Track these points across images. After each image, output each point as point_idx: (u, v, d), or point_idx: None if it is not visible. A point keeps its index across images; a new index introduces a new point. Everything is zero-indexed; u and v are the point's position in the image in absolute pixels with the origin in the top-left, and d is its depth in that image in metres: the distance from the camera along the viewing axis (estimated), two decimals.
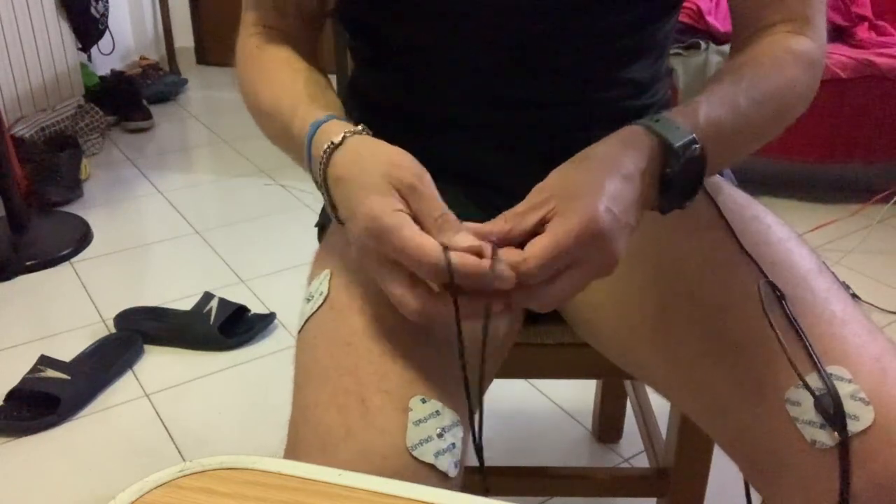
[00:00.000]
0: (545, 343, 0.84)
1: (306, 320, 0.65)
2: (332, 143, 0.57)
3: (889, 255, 2.00)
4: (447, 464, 0.54)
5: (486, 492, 0.59)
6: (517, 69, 0.72)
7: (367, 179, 0.54)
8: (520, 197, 0.77)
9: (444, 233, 0.52)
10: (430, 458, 0.53)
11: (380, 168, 0.54)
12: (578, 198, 0.53)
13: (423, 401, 0.55)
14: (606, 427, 1.36)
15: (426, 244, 0.50)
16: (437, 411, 0.55)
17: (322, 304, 0.64)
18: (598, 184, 0.53)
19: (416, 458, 0.53)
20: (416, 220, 0.53)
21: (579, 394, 1.47)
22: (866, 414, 0.54)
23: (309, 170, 0.61)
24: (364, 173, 0.54)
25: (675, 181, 0.58)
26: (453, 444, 0.55)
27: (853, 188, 2.33)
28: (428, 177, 0.55)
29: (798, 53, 0.68)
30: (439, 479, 0.54)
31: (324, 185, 0.58)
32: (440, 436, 0.55)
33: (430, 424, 0.55)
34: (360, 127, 0.59)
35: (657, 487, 1.00)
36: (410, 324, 0.59)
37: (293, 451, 0.57)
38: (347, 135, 0.57)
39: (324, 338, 0.61)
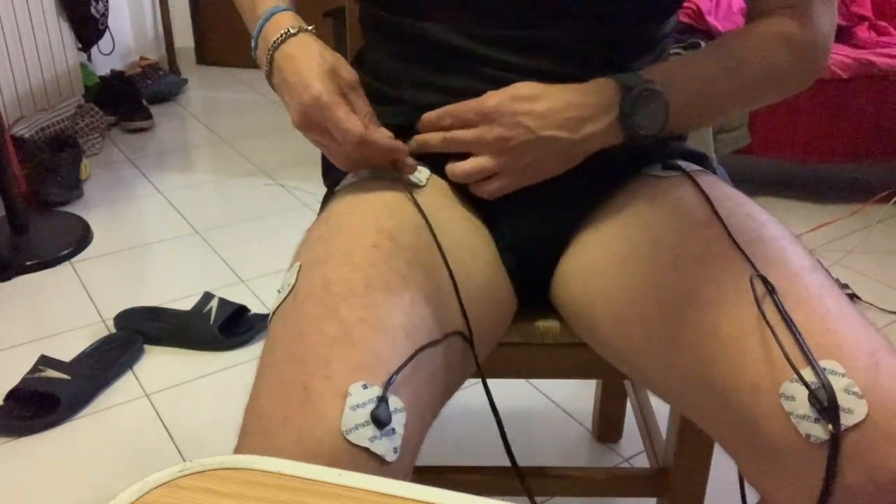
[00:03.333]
0: (545, 343, 0.84)
1: (273, 312, 0.66)
2: (290, 30, 0.74)
3: (889, 255, 2.00)
4: (384, 448, 0.54)
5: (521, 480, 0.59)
6: (521, 43, 0.75)
7: (315, 66, 0.71)
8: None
9: (371, 127, 0.73)
10: (364, 442, 0.54)
11: (327, 63, 0.72)
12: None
13: (365, 387, 0.55)
14: (606, 427, 1.36)
15: (351, 121, 0.70)
16: (377, 397, 0.55)
17: (287, 295, 0.65)
18: (532, 106, 0.71)
19: (350, 443, 0.53)
20: (354, 110, 0.72)
21: (579, 394, 1.47)
22: (860, 408, 0.54)
23: (255, 38, 0.77)
24: (313, 60, 0.72)
25: (631, 113, 0.72)
26: (393, 430, 0.55)
27: (853, 188, 2.33)
28: (359, 86, 0.74)
29: (784, 35, 0.76)
30: (376, 463, 0.54)
31: (270, 57, 0.74)
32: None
33: (368, 409, 0.55)
34: (312, 28, 0.76)
35: (657, 487, 1.00)
36: (366, 313, 0.61)
37: (239, 439, 0.58)
38: (303, 29, 0.75)
39: (283, 328, 0.62)
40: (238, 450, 0.57)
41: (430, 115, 0.75)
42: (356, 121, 0.70)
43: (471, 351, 0.70)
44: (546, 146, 0.71)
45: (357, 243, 0.66)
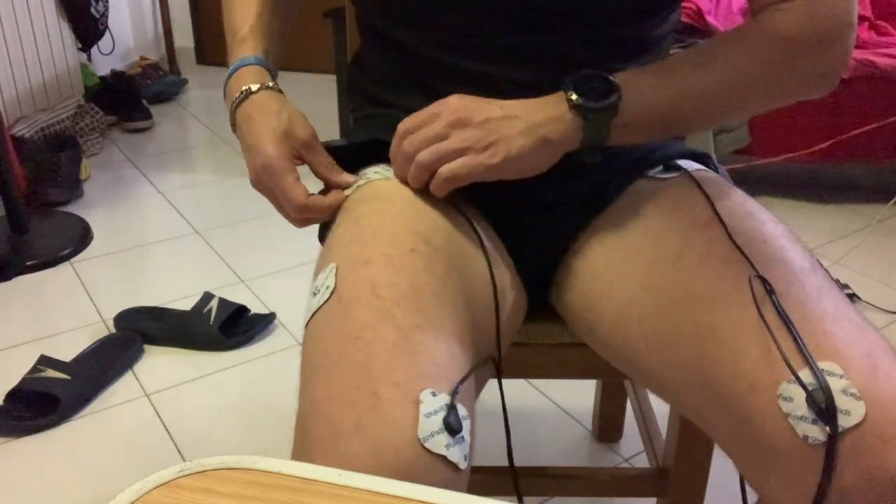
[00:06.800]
0: (545, 343, 0.84)
1: (313, 314, 0.65)
2: (251, 88, 0.77)
3: (889, 255, 2.00)
4: (458, 456, 0.55)
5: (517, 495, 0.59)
6: (515, 52, 0.74)
7: (270, 129, 0.75)
8: (517, 183, 0.78)
9: (333, 173, 0.77)
10: (441, 450, 0.54)
11: (282, 126, 0.75)
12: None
13: (434, 394, 0.56)
14: (606, 427, 1.36)
15: (295, 191, 0.74)
16: (447, 404, 0.56)
17: (329, 297, 0.64)
18: (485, 102, 0.70)
19: (427, 450, 0.53)
20: (312, 167, 0.77)
21: (579, 394, 1.47)
22: (858, 409, 0.54)
23: (223, 86, 0.81)
24: (269, 122, 0.75)
25: (582, 105, 0.68)
26: (463, 437, 0.56)
27: (853, 188, 2.33)
28: (317, 137, 0.77)
29: (779, 31, 0.69)
30: (450, 470, 0.54)
31: (234, 113, 0.78)
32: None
33: (440, 417, 0.55)
34: (273, 84, 0.79)
35: (657, 487, 1.00)
36: (419, 318, 0.61)
37: (303, 445, 0.57)
38: (263, 87, 0.78)
39: (332, 331, 0.62)
40: (304, 457, 0.55)
41: (394, 150, 0.73)
42: (300, 190, 0.74)
43: (496, 359, 0.70)
44: (508, 124, 0.68)
45: (395, 247, 0.66)
